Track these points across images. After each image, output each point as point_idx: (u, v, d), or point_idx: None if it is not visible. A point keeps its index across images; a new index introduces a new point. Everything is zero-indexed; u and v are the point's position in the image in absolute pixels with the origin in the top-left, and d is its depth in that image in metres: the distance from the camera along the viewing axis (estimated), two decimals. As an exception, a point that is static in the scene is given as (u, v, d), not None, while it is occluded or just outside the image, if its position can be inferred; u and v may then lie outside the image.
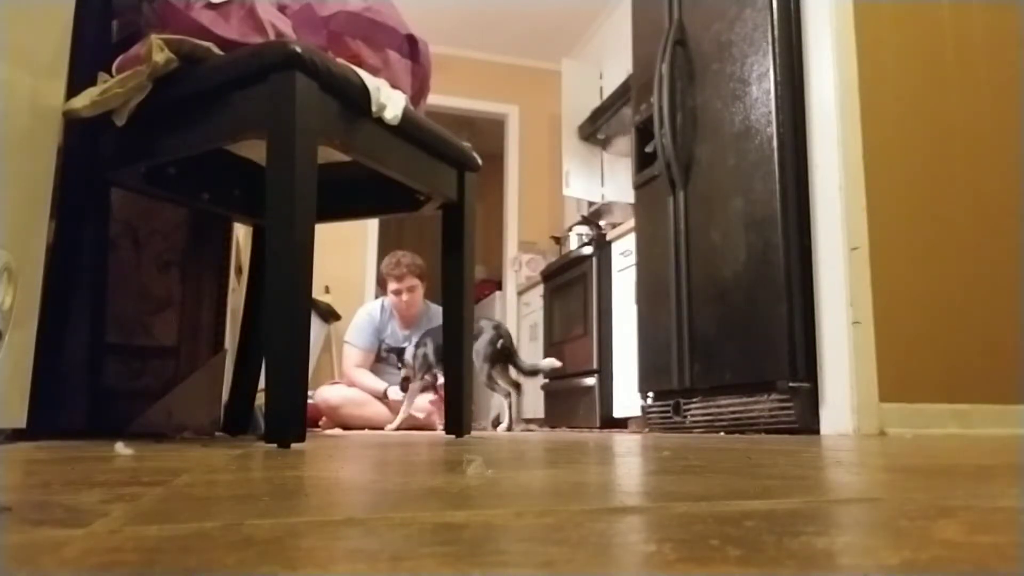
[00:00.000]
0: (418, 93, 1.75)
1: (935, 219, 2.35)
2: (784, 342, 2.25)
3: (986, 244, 2.40)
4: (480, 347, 3.25)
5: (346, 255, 5.35)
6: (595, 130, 5.19)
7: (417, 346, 3.45)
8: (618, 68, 4.64)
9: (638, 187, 3.21)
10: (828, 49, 2.30)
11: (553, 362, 3.42)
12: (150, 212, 1.96)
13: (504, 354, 3.35)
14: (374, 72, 1.57)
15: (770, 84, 2.40)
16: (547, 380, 4.66)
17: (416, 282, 3.86)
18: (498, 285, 6.12)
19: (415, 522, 0.39)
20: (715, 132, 2.68)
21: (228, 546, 0.31)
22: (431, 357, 3.38)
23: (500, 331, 3.38)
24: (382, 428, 3.53)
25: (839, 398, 2.14)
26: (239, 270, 2.33)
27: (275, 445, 1.19)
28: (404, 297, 3.85)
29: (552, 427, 4.35)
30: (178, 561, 0.29)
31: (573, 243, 4.66)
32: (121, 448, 0.98)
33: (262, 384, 1.71)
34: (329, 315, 4.94)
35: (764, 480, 0.64)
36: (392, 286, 3.86)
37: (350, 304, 4.91)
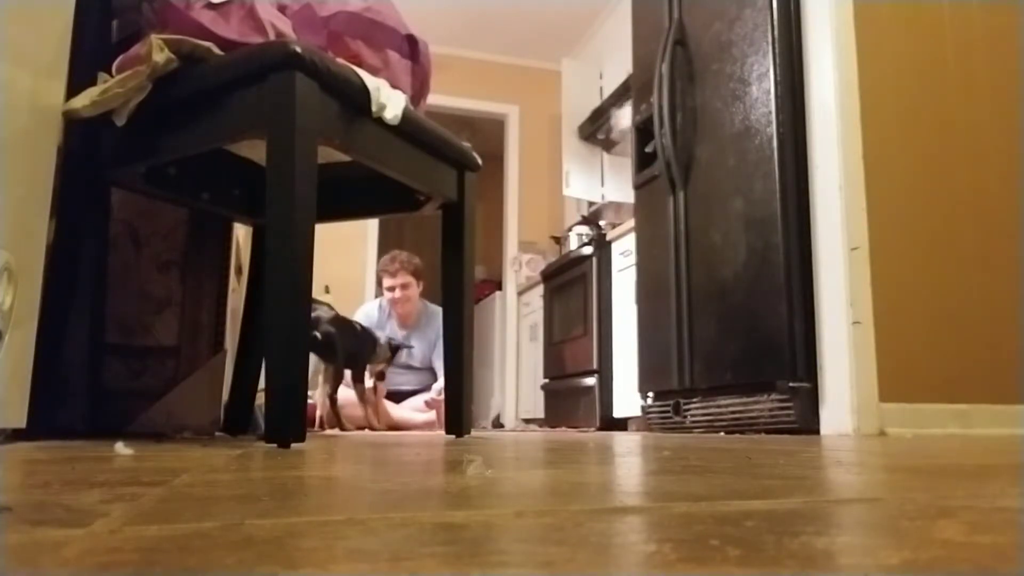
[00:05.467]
0: (418, 93, 1.75)
1: (935, 219, 2.35)
2: (784, 342, 2.25)
3: (986, 244, 2.40)
4: None
5: (346, 255, 5.35)
6: (595, 130, 5.19)
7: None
8: (618, 68, 4.64)
9: (638, 187, 3.21)
10: (828, 49, 2.30)
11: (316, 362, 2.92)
12: (150, 212, 1.95)
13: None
14: (374, 72, 1.57)
15: (770, 84, 2.39)
16: (547, 380, 4.66)
17: (410, 280, 3.84)
18: (498, 285, 6.12)
19: (415, 522, 0.39)
20: (715, 132, 2.68)
21: (228, 546, 0.31)
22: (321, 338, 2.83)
23: (320, 322, 2.86)
24: (422, 428, 3.40)
25: (839, 398, 2.14)
26: (239, 270, 2.33)
27: (275, 445, 1.19)
28: (397, 294, 3.82)
29: (552, 427, 4.35)
30: (178, 561, 0.29)
31: (573, 243, 4.66)
32: (121, 448, 0.98)
33: (262, 384, 1.71)
34: (329, 315, 4.93)
35: (764, 480, 0.64)
36: (386, 282, 3.86)
37: (350, 304, 4.90)
